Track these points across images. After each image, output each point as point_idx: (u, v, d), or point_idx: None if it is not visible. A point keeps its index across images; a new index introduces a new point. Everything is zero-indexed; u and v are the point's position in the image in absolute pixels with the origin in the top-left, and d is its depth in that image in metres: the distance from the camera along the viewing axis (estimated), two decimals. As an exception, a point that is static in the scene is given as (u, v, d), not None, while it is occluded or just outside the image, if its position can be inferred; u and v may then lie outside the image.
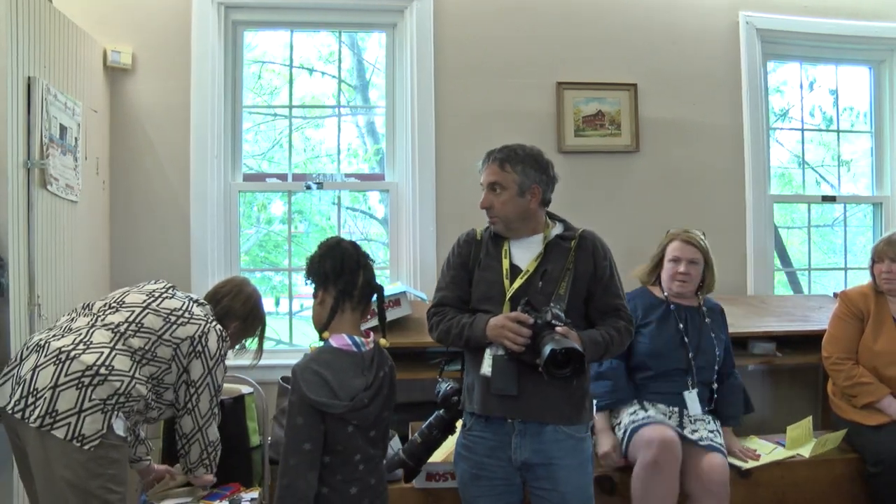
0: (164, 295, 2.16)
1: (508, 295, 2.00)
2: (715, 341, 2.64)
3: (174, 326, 2.08)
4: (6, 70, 2.32)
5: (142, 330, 2.04)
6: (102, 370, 1.90)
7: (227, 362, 2.25)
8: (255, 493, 2.47)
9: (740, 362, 3.10)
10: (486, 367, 1.93)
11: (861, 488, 2.67)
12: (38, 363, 1.91)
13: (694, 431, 2.52)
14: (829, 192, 3.96)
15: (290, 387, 1.73)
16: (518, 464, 1.98)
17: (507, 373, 1.91)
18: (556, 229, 2.12)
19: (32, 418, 1.84)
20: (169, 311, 2.11)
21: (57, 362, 1.89)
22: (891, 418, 2.65)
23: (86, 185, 2.86)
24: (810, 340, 3.05)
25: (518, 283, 2.01)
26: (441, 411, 2.16)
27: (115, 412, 1.90)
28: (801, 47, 3.79)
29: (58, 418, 1.84)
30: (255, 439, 2.70)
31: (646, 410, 2.55)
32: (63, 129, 2.66)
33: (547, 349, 1.79)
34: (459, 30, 3.42)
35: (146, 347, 2.02)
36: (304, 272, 1.87)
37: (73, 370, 1.88)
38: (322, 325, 1.82)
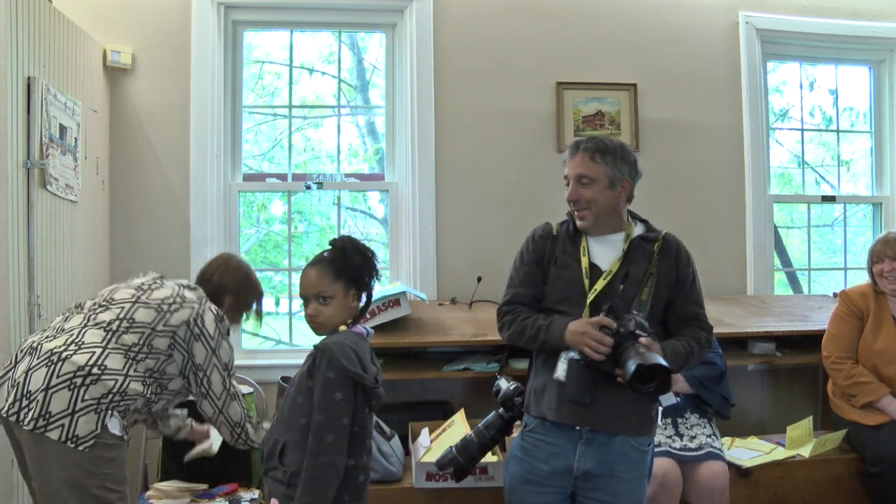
0: (153, 286, 2.13)
1: (590, 298, 1.90)
2: None
3: (167, 315, 2.05)
4: (6, 70, 2.32)
5: (134, 325, 2.01)
6: (95, 370, 1.89)
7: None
8: (254, 494, 2.47)
9: (740, 362, 3.11)
10: (561, 372, 1.84)
11: (861, 488, 2.67)
12: (31, 365, 1.90)
13: (692, 438, 2.51)
14: (829, 192, 3.96)
15: (317, 363, 1.73)
16: (579, 472, 1.88)
17: (582, 379, 1.82)
18: (638, 229, 2.01)
19: (26, 421, 1.84)
20: (160, 301, 2.07)
21: (49, 364, 1.88)
22: (890, 418, 2.65)
23: (85, 185, 2.86)
24: (810, 340, 3.05)
25: (600, 284, 1.91)
26: (500, 410, 2.07)
27: (110, 411, 1.89)
28: (801, 47, 3.78)
29: (51, 420, 1.83)
30: (254, 439, 2.70)
31: None
32: (63, 128, 2.66)
33: (632, 364, 1.69)
34: (459, 30, 3.42)
35: (140, 342, 2.00)
36: (342, 274, 1.83)
37: (64, 371, 1.87)
38: (351, 321, 1.86)
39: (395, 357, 2.97)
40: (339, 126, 3.66)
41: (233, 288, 2.31)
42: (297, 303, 3.59)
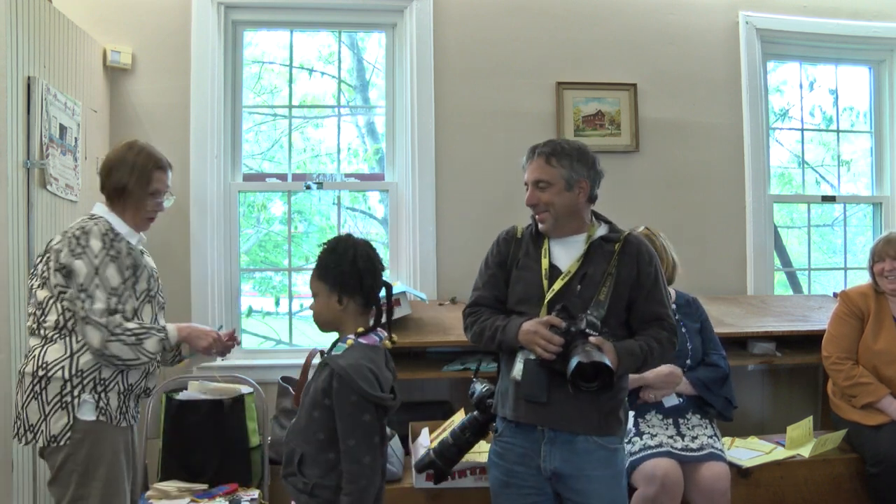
0: (38, 262, 2.04)
1: (547, 298, 1.92)
2: (687, 336, 2.63)
3: (48, 277, 1.98)
4: (6, 70, 2.33)
5: (45, 307, 1.98)
6: (41, 371, 1.94)
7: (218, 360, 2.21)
8: (254, 494, 2.48)
9: (740, 362, 3.11)
10: (517, 371, 1.87)
11: (861, 488, 2.67)
12: (16, 390, 2.04)
13: (694, 439, 2.51)
14: (829, 192, 3.96)
15: (336, 387, 1.69)
16: (548, 473, 1.91)
17: (537, 378, 1.84)
18: (601, 230, 2.03)
19: (21, 438, 1.97)
20: (41, 273, 2.01)
21: (19, 383, 2.01)
22: (890, 418, 2.65)
23: (85, 185, 2.86)
24: (810, 340, 3.05)
25: (558, 285, 1.93)
26: (475, 413, 2.10)
27: (76, 399, 1.94)
28: (801, 47, 3.79)
29: (35, 431, 1.95)
30: (254, 439, 2.70)
31: (641, 437, 2.48)
32: (63, 128, 2.66)
33: (574, 361, 1.72)
34: (459, 30, 3.42)
35: (60, 314, 1.96)
36: (329, 277, 1.80)
37: (26, 385, 1.97)
38: (362, 329, 1.82)
39: (396, 357, 2.93)
40: (339, 126, 3.65)
41: (108, 165, 2.09)
42: (297, 303, 3.60)
